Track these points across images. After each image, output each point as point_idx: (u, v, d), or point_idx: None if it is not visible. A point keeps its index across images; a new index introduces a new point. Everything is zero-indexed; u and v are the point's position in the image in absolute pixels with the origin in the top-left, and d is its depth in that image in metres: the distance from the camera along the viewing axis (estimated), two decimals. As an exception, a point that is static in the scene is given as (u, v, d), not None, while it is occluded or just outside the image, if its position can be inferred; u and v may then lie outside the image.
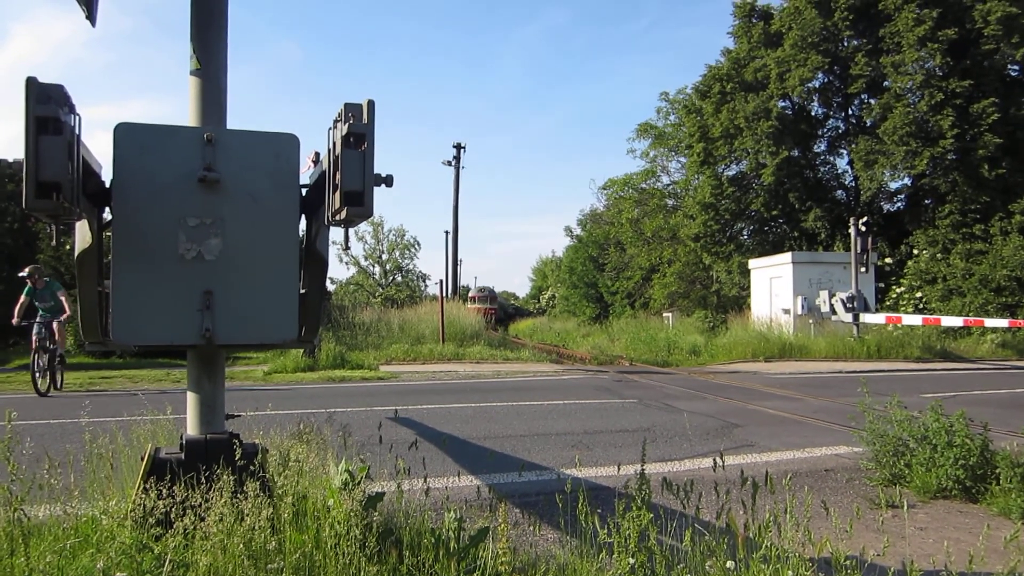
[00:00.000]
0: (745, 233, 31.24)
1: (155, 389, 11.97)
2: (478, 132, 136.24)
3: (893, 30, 25.12)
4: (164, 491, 3.12)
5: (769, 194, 28.68)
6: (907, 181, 27.60)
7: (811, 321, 20.55)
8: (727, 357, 18.92)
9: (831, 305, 20.14)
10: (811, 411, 9.28)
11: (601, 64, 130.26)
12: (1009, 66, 25.61)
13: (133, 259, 3.30)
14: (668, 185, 39.85)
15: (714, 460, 3.46)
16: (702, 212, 29.87)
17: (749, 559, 2.75)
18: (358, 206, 3.16)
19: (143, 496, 3.13)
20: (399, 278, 53.25)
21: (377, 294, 48.31)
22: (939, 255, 24.19)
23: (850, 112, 29.90)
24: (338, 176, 3.15)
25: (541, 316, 57.59)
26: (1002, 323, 18.23)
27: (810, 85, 28.31)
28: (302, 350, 15.12)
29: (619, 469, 4.36)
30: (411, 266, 53.89)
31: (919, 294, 24.01)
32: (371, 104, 3.17)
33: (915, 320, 19.61)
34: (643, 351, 20.71)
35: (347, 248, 4.33)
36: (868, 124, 27.12)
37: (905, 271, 25.00)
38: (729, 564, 2.74)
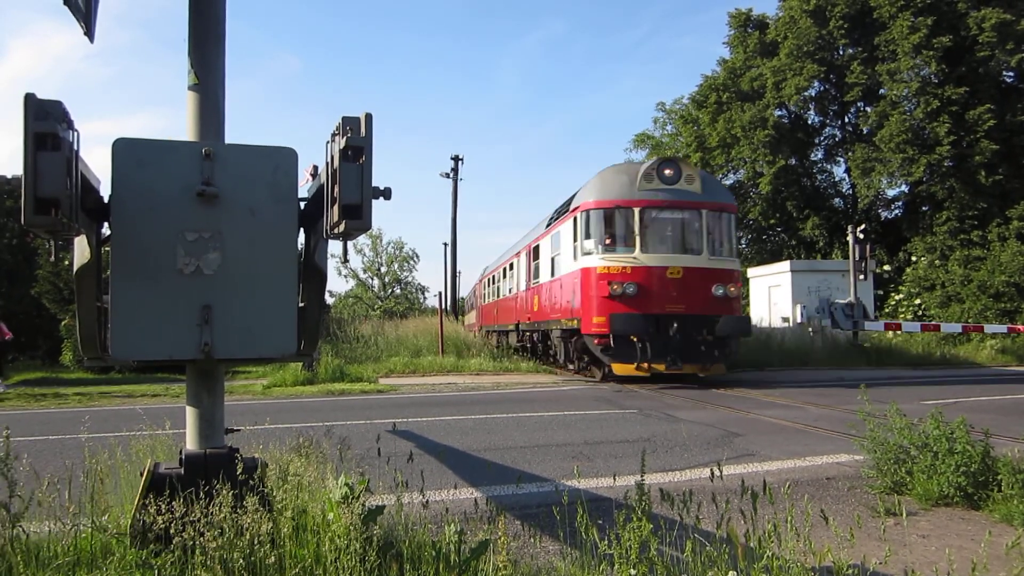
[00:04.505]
0: (743, 242, 31.32)
1: (154, 404, 11.94)
2: (477, 143, 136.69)
3: (888, 38, 25.27)
4: (163, 506, 3.11)
5: (767, 203, 28.79)
6: (904, 188, 27.72)
7: (810, 329, 20.56)
8: (727, 366, 18.84)
9: (830, 313, 20.16)
10: (811, 419, 9.26)
11: (599, 74, 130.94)
12: (1004, 72, 25.77)
13: (132, 274, 3.30)
14: (666, 194, 39.90)
15: (719, 470, 3.45)
16: (700, 221, 29.89)
17: (751, 569, 2.74)
18: (356, 219, 3.16)
19: (142, 512, 3.12)
20: (398, 290, 53.32)
21: (376, 307, 48.30)
22: (937, 262, 24.25)
23: (846, 120, 30.06)
24: (336, 189, 3.16)
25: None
26: (1001, 329, 18.25)
27: (806, 94, 28.48)
28: (301, 364, 15.11)
29: (619, 480, 4.36)
30: (410, 278, 54.03)
31: (918, 301, 24.05)
32: (369, 117, 3.18)
33: (914, 327, 19.64)
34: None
35: (346, 261, 4.31)
36: (865, 132, 27.25)
37: (904, 278, 25.06)
38: (731, 574, 2.73)
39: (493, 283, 26.87)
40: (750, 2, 30.98)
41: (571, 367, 16.53)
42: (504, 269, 23.90)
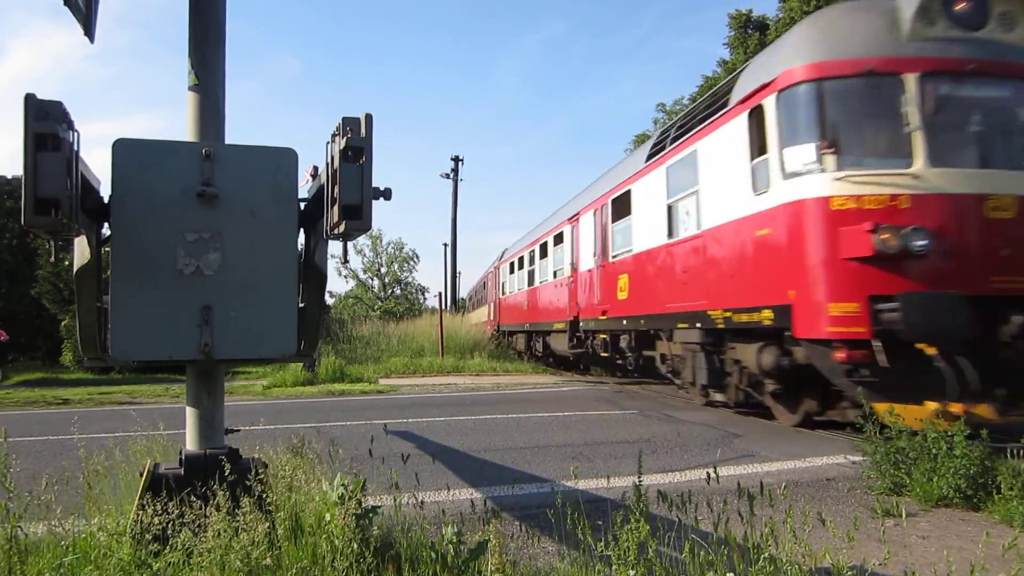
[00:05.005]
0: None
1: (154, 405, 11.94)
2: (477, 144, 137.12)
3: (888, 40, 25.27)
4: (162, 507, 3.11)
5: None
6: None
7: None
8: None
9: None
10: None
11: (599, 75, 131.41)
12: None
13: (132, 274, 3.30)
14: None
15: (716, 471, 3.45)
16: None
17: (748, 571, 2.74)
18: (356, 220, 3.16)
19: (141, 512, 3.13)
20: (398, 291, 53.31)
21: (376, 307, 48.27)
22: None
23: (846, 122, 30.03)
24: (336, 190, 3.16)
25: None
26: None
27: (806, 95, 28.44)
28: (301, 364, 15.11)
29: (618, 481, 4.36)
30: (410, 279, 54.08)
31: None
32: (369, 118, 3.19)
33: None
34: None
35: (346, 261, 4.33)
36: (865, 133, 27.21)
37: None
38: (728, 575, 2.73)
39: (519, 268, 20.41)
40: (750, 3, 31.01)
41: (720, 397, 9.63)
42: (543, 245, 17.45)
